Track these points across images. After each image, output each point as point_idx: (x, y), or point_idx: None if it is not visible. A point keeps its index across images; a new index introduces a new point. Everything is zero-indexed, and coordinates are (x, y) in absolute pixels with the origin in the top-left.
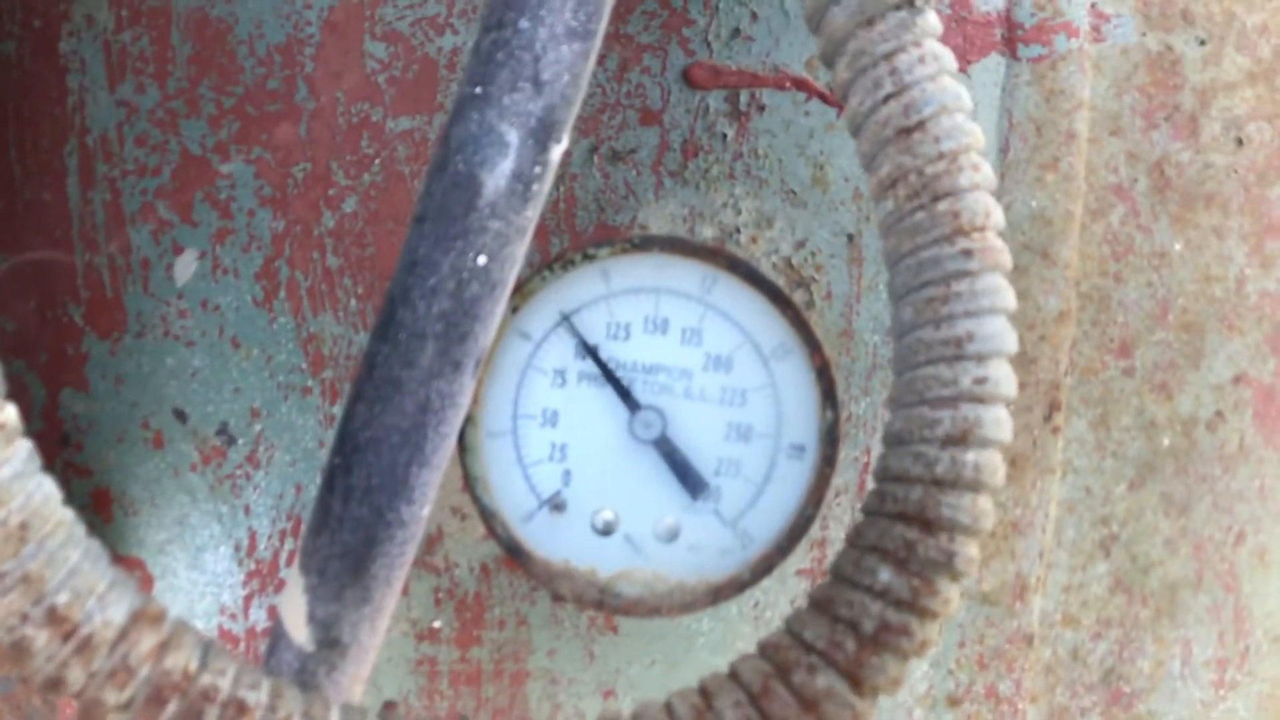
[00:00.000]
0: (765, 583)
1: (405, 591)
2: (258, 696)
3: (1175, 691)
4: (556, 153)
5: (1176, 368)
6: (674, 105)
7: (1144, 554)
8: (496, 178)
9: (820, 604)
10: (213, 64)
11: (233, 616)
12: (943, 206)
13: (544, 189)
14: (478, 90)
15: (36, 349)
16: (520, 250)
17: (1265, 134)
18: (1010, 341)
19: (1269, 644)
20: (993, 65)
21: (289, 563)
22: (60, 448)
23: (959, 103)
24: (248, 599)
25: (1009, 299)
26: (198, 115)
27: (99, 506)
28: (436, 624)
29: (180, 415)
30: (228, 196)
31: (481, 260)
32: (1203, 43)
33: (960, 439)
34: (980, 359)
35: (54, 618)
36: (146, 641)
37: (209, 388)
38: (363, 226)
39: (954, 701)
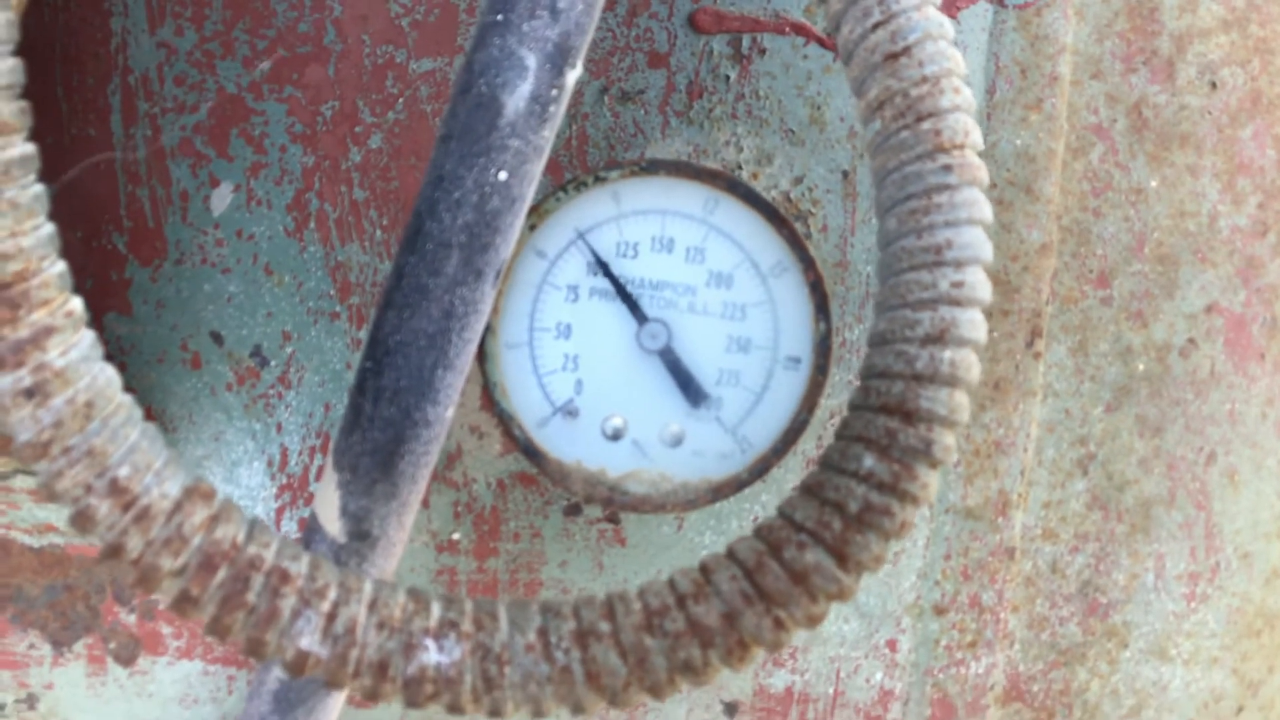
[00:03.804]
0: (765, 497)
1: (426, 505)
2: (298, 567)
3: (1149, 603)
4: (571, 77)
5: (1152, 297)
6: (680, 49)
7: (1119, 473)
8: (516, 99)
9: (810, 489)
10: (247, 8)
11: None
12: (926, 126)
13: (560, 111)
14: (499, 17)
15: (83, 275)
16: (537, 168)
17: (1238, 78)
18: (986, 250)
19: (1238, 560)
20: (981, 11)
21: (318, 477)
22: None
23: (942, 30)
24: (280, 511)
25: (986, 211)
26: (233, 56)
27: None
28: (455, 536)
29: (217, 338)
30: (261, 133)
31: (502, 176)
32: None
33: (938, 338)
34: (958, 265)
35: (115, 489)
36: (199, 514)
37: (243, 312)
38: (387, 161)
39: (940, 610)
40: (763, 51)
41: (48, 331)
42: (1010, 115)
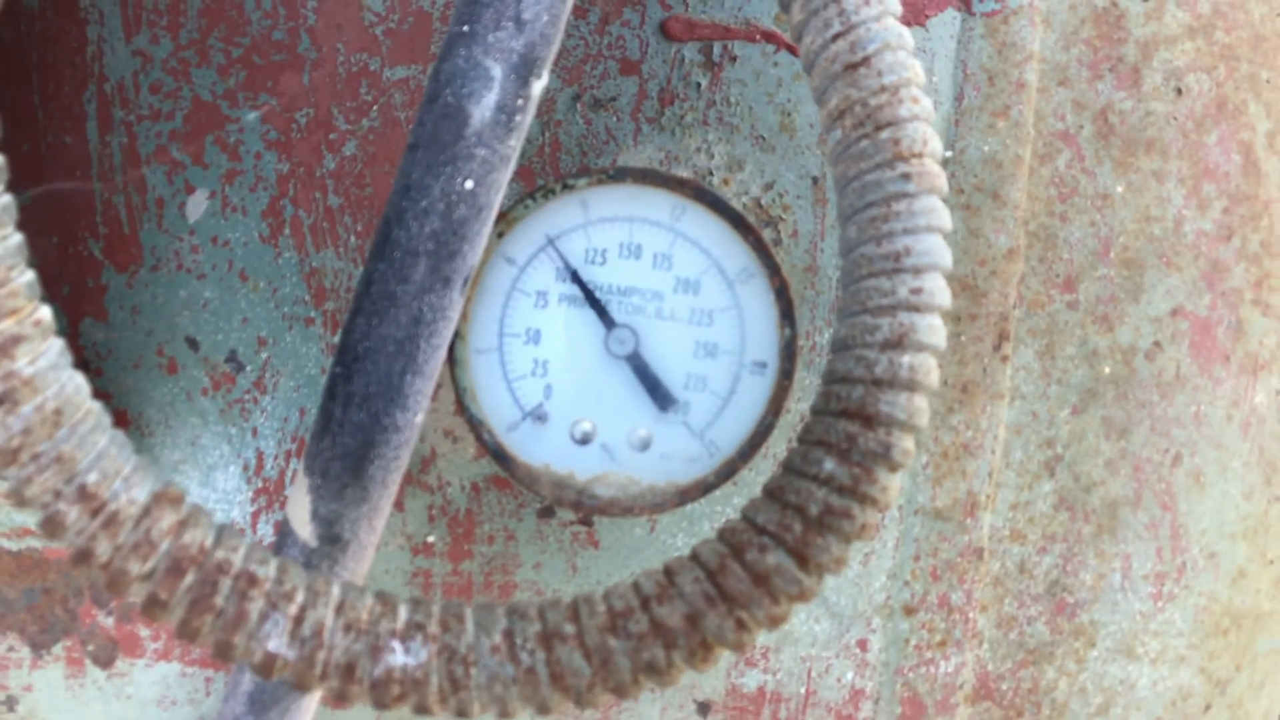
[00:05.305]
0: (736, 500)
1: (401, 508)
2: (266, 571)
3: (1116, 603)
4: (537, 87)
5: (1117, 301)
6: (652, 56)
7: (1086, 474)
8: (482, 109)
9: (772, 492)
10: (222, 16)
11: (241, 531)
12: (885, 135)
13: (526, 120)
14: (465, 28)
15: (58, 282)
16: (504, 177)
17: (1203, 84)
18: (945, 257)
19: (1204, 560)
20: (949, 19)
21: (294, 481)
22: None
23: (901, 40)
24: (255, 515)
25: (944, 219)
26: (208, 64)
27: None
28: (430, 539)
29: (192, 343)
30: (236, 140)
31: (469, 185)
32: None
33: (897, 343)
34: (917, 271)
35: (84, 495)
36: (167, 519)
37: (219, 318)
38: (361, 168)
39: (910, 611)
40: (734, 59)
41: (16, 340)
42: (978, 122)
